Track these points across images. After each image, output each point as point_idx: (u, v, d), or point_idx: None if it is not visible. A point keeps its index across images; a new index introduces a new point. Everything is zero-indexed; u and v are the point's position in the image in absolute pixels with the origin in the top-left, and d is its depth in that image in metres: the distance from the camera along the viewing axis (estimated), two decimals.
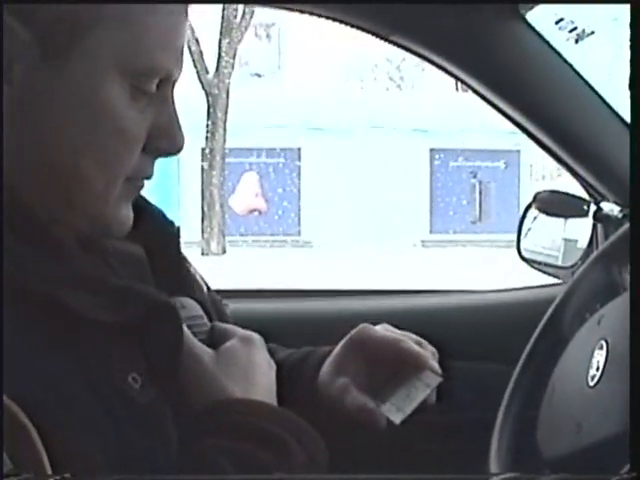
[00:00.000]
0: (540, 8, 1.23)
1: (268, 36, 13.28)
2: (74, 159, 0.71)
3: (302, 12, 1.24)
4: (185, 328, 0.75)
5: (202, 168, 11.48)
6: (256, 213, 12.80)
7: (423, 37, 1.26)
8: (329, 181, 12.58)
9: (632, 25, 0.83)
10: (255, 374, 0.78)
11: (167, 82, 0.74)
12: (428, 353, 0.92)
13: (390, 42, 1.25)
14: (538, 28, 1.27)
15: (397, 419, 0.89)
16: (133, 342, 0.70)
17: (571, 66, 1.32)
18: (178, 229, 0.87)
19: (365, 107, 12.73)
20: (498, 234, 11.44)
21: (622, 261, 1.13)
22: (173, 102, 0.76)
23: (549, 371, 1.11)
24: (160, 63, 0.73)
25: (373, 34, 1.25)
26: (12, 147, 0.69)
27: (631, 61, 0.82)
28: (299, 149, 13.01)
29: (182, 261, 0.88)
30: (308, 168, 12.92)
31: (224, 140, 11.30)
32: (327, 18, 1.26)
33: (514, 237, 1.58)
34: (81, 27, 0.69)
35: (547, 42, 1.29)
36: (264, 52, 13.02)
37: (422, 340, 0.94)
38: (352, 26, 1.25)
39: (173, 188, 11.57)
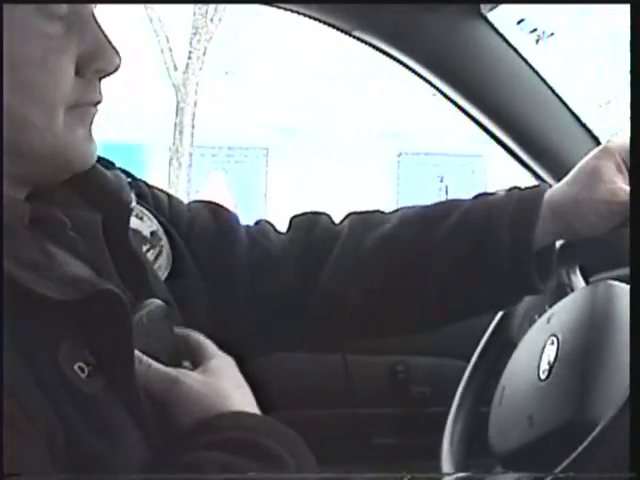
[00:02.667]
0: (502, 8, 1.25)
1: (238, 34, 13.26)
2: (6, 103, 0.70)
3: (266, 3, 1.24)
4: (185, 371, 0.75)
5: (169, 165, 11.43)
6: None
7: (386, 34, 1.26)
8: (296, 182, 12.58)
9: (632, 25, 0.83)
10: (244, 391, 0.78)
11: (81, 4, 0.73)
12: None
13: (353, 37, 1.26)
14: (500, 28, 1.28)
15: None
16: (81, 329, 0.68)
17: (531, 66, 1.34)
18: (130, 208, 0.85)
19: (334, 109, 12.75)
20: None
21: (569, 263, 1.16)
22: (96, 22, 0.75)
23: (499, 371, 1.14)
24: None
25: (337, 29, 1.26)
26: None
27: (631, 61, 0.82)
28: (266, 149, 13.00)
29: (132, 247, 0.85)
30: (275, 168, 12.91)
31: (192, 138, 11.26)
32: (292, 12, 1.27)
33: None
34: None
35: (508, 42, 1.31)
36: (234, 50, 12.99)
37: None
38: (316, 20, 1.25)
39: None
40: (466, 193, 1.06)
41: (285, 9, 1.27)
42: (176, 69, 11.20)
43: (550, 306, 1.12)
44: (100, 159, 0.88)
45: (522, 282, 0.98)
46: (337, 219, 1.08)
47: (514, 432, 1.03)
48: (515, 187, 1.01)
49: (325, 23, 1.26)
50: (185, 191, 11.23)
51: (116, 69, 0.76)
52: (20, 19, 0.70)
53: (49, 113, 0.72)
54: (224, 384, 0.75)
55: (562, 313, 1.07)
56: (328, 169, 12.66)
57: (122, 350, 0.70)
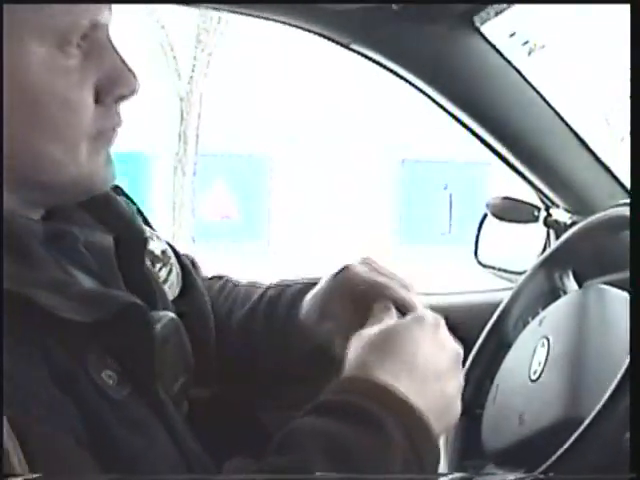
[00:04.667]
0: (494, 22, 1.28)
1: (241, 45, 13.29)
2: (27, 140, 0.70)
3: (265, 19, 1.27)
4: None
5: (174, 173, 11.46)
6: (226, 219, 12.79)
7: (382, 47, 1.29)
8: (300, 190, 12.60)
9: (632, 25, 0.83)
10: None
11: (96, 29, 0.72)
12: (416, 298, 0.88)
13: (351, 50, 1.29)
14: (493, 41, 1.31)
15: None
16: (106, 341, 0.70)
17: (524, 77, 1.37)
18: (145, 238, 0.86)
19: (338, 116, 12.77)
20: (468, 246, 11.48)
21: (563, 267, 1.18)
22: (113, 46, 0.74)
23: (493, 372, 1.16)
24: (78, 14, 0.70)
25: (335, 42, 1.29)
26: None
27: (631, 60, 0.83)
28: (270, 157, 13.02)
29: (146, 269, 0.86)
30: (279, 176, 12.93)
31: (196, 147, 11.30)
32: (290, 25, 1.30)
33: None
34: None
35: (501, 54, 1.34)
36: (238, 60, 13.04)
37: (408, 283, 0.90)
38: (314, 34, 1.28)
39: (145, 193, 11.54)
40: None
41: (283, 23, 1.30)
42: (180, 78, 11.25)
43: (543, 309, 1.14)
44: None
45: None
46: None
47: (505, 431, 1.06)
48: None
49: (323, 36, 1.29)
50: (189, 199, 11.26)
51: (134, 93, 0.75)
52: (39, 55, 0.69)
53: (72, 148, 0.72)
54: None
55: (553, 316, 1.10)
56: (331, 177, 12.68)
57: (146, 360, 0.72)
